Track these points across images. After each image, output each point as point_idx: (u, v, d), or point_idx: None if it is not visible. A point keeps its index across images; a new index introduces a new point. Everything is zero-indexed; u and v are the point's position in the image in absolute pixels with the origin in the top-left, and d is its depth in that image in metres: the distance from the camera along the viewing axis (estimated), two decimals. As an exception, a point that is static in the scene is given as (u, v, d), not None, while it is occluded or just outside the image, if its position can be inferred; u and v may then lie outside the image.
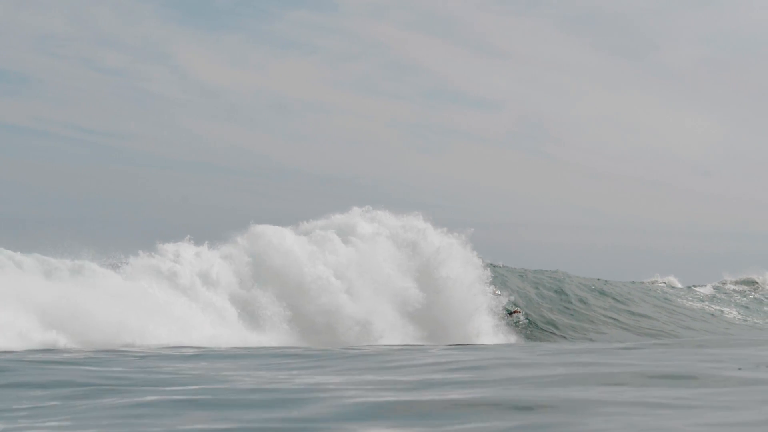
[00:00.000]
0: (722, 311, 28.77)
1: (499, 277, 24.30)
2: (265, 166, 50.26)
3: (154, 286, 16.77)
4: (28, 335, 13.58)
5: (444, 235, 20.79)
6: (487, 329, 19.96)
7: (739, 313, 29.03)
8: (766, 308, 30.54)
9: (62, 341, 13.71)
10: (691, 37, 60.12)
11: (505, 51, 59.08)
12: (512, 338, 20.30)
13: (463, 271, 20.25)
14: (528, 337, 21.29)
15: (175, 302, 16.70)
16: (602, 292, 26.38)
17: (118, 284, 16.25)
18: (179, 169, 49.64)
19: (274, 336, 17.33)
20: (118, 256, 17.19)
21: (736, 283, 33.05)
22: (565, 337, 21.69)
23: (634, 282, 30.17)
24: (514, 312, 22.16)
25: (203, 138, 51.68)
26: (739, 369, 7.72)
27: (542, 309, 23.61)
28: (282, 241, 19.04)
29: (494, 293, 20.83)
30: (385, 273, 19.55)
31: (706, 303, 29.61)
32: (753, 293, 32.16)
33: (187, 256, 17.95)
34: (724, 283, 32.84)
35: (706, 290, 31.41)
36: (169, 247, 17.96)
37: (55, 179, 45.43)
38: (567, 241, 47.31)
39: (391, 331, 18.50)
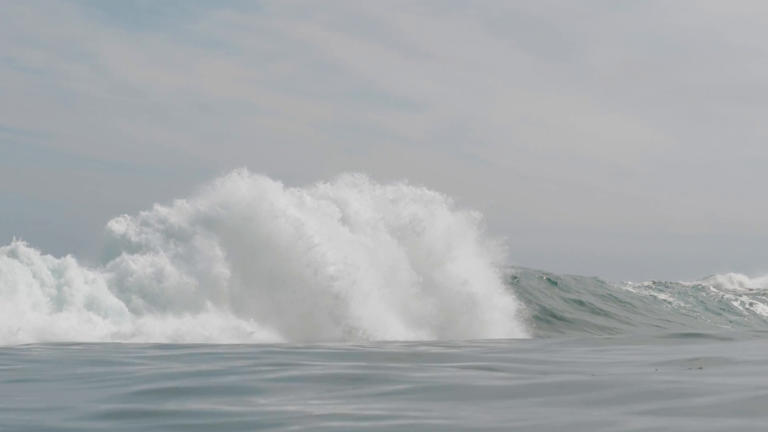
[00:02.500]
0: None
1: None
2: (189, 165, 49.42)
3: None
4: None
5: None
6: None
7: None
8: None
9: None
10: (612, 39, 60.89)
11: (428, 51, 59.62)
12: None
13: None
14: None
15: None
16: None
17: None
18: (102, 169, 49.39)
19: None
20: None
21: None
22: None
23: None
24: None
25: (127, 137, 51.13)
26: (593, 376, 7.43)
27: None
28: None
29: None
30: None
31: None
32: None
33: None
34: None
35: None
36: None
37: (-22, 178, 44.64)
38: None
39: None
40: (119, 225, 17.58)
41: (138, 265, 16.64)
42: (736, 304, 31.54)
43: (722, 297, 32.02)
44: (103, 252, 17.28)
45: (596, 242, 49.80)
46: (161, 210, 18.00)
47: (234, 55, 55.41)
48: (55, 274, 15.72)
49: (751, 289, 34.40)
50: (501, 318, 19.31)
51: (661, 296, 30.15)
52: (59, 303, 15.27)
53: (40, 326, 14.01)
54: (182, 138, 52.56)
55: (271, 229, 17.63)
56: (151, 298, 16.31)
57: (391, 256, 18.73)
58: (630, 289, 29.73)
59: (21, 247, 15.73)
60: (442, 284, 18.93)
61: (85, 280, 15.90)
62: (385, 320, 17.32)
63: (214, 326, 15.39)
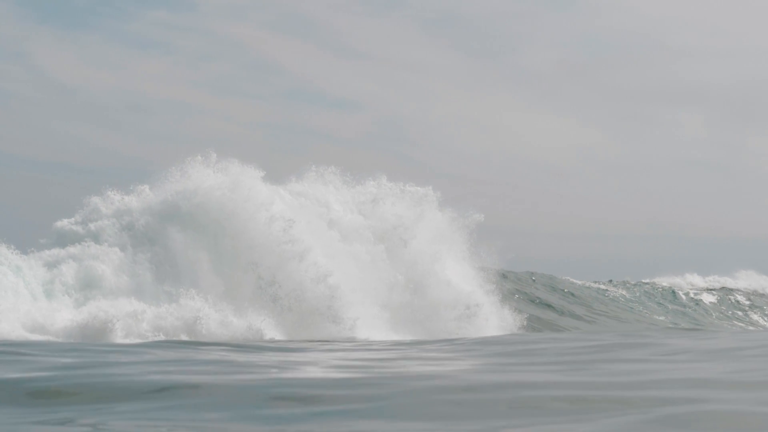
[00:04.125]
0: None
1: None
2: (125, 165, 49.15)
3: None
4: None
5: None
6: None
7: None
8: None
9: None
10: (547, 40, 60.52)
11: (364, 52, 59.01)
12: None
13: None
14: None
15: None
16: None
17: None
18: (36, 169, 48.56)
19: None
20: None
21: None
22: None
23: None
24: None
25: (61, 137, 50.40)
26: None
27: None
28: None
29: None
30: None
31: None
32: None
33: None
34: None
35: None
36: None
37: None
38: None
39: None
40: (67, 222, 16.13)
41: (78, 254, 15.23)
42: (685, 299, 32.80)
43: (674, 292, 33.10)
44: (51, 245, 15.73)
45: (531, 243, 48.81)
46: (116, 198, 16.56)
47: (169, 55, 54.66)
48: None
49: (711, 289, 35.05)
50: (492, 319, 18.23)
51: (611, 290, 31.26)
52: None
53: None
54: (117, 138, 51.98)
55: (252, 227, 16.18)
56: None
57: (376, 263, 17.48)
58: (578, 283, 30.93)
59: None
60: (430, 287, 17.77)
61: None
62: (373, 323, 16.13)
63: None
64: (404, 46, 59.16)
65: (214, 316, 14.21)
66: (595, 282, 32.07)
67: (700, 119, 60.75)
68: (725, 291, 35.28)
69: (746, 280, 36.52)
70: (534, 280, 28.35)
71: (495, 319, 18.37)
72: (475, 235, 19.09)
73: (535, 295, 26.48)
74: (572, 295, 28.46)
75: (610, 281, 32.94)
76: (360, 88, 58.29)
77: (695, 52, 60.78)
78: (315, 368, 8.47)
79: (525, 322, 19.98)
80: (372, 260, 17.56)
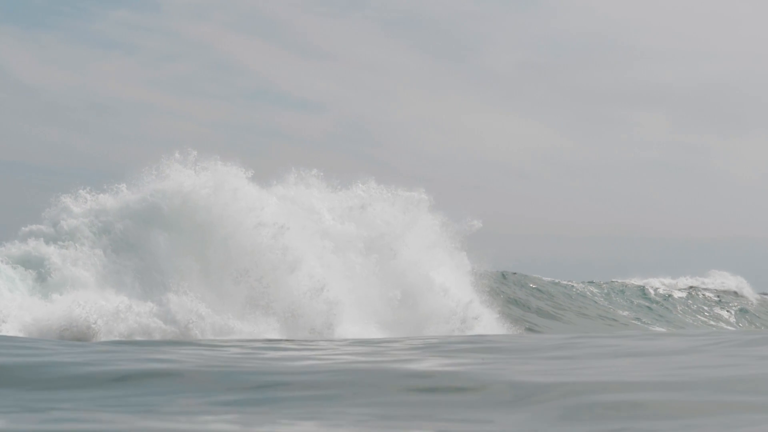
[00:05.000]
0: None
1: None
2: (87, 165, 48.91)
3: None
4: None
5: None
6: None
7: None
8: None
9: None
10: (508, 42, 60.98)
11: (327, 52, 59.13)
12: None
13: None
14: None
15: None
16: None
17: None
18: None
19: None
20: None
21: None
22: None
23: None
24: None
25: (21, 137, 49.64)
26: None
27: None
28: None
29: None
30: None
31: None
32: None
33: None
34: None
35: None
36: None
37: None
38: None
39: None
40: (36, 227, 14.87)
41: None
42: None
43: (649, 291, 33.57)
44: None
45: (494, 244, 48.83)
46: (89, 197, 15.47)
47: (131, 55, 54.48)
48: None
49: (681, 288, 35.30)
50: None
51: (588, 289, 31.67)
52: None
53: None
54: (79, 138, 51.71)
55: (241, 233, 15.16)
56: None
57: (368, 277, 16.57)
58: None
59: None
60: (424, 299, 16.99)
61: None
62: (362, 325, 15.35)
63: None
64: (367, 46, 59.41)
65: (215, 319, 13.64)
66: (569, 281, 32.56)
67: (661, 121, 61.29)
68: (694, 289, 35.78)
69: (716, 279, 37.01)
70: (505, 277, 29.10)
71: (493, 330, 17.67)
72: (472, 241, 18.41)
73: (500, 290, 27.20)
74: (539, 290, 29.32)
75: (583, 282, 33.38)
76: (323, 89, 58.59)
77: (656, 54, 61.44)
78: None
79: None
80: (365, 273, 16.59)
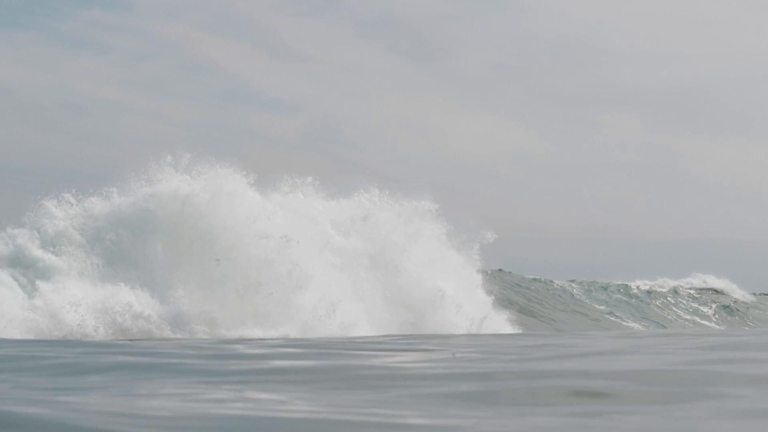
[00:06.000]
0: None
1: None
2: (59, 165, 49.09)
3: None
4: None
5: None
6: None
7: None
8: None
9: None
10: (483, 43, 61.37)
11: (300, 53, 59.33)
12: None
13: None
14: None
15: None
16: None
17: None
18: None
19: None
20: None
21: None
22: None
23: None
24: None
25: None
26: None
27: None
28: None
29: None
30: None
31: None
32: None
33: None
34: None
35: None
36: None
37: None
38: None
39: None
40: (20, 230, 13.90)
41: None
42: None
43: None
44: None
45: None
46: (74, 201, 14.49)
47: (103, 55, 54.57)
48: None
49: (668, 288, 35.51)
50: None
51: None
52: None
53: None
54: (53, 138, 51.87)
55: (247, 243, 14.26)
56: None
57: (373, 289, 15.77)
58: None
59: None
60: (434, 317, 16.19)
61: None
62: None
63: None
64: (340, 47, 59.70)
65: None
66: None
67: (634, 123, 61.72)
68: (678, 288, 36.05)
69: (696, 279, 37.35)
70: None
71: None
72: (483, 254, 17.78)
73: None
74: (518, 285, 29.74)
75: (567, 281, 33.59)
76: (296, 90, 58.70)
77: (628, 56, 62.27)
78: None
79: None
80: (373, 292, 15.69)
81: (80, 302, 12.50)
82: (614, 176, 59.56)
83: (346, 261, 15.59)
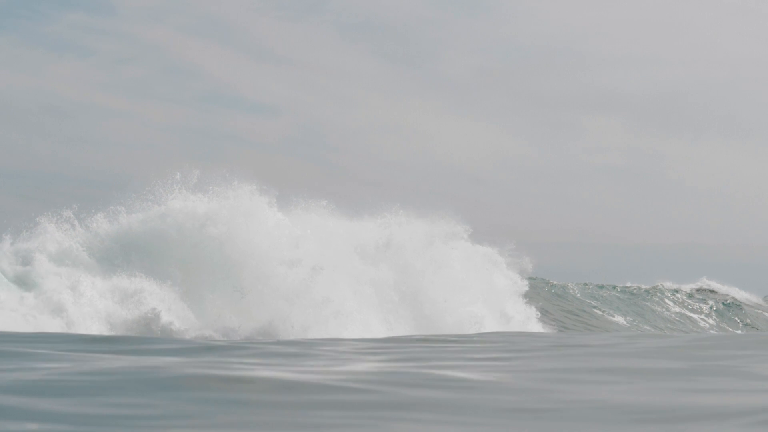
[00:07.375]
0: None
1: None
2: (41, 168, 47.87)
3: None
4: None
5: None
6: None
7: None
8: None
9: None
10: (466, 47, 60.75)
11: (284, 56, 58.62)
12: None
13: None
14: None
15: None
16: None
17: None
18: None
19: None
20: None
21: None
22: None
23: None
24: None
25: None
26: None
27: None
28: None
29: None
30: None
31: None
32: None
33: None
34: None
35: None
36: None
37: None
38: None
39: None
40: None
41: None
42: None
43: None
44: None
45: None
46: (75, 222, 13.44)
47: (86, 58, 53.65)
48: None
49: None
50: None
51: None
52: None
53: None
54: (35, 141, 51.08)
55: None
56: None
57: (403, 322, 14.88)
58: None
59: None
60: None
61: None
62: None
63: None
64: (323, 51, 59.17)
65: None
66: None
67: (617, 127, 61.26)
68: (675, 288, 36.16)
69: (695, 284, 37.28)
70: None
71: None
72: (528, 283, 16.94)
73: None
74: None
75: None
76: (279, 93, 58.03)
77: (611, 61, 61.79)
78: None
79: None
80: (403, 324, 14.76)
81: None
82: (597, 180, 58.81)
83: (377, 290, 14.74)
